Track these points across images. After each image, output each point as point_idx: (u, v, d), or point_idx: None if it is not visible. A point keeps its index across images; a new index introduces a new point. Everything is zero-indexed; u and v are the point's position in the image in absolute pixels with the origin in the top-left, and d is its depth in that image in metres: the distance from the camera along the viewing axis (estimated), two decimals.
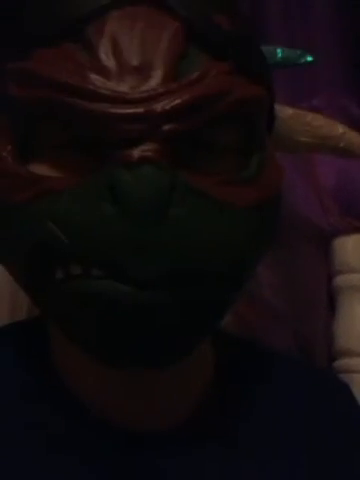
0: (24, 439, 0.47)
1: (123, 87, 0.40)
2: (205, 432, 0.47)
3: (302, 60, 0.66)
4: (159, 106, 0.40)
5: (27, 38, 0.43)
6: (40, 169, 0.42)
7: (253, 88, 0.44)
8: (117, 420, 0.46)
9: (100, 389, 0.47)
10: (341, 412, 0.53)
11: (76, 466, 0.46)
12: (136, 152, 0.40)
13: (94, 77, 0.40)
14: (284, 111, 0.65)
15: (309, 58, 0.67)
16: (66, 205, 0.41)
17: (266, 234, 0.45)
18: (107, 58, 0.41)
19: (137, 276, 0.40)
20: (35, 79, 0.41)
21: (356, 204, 0.89)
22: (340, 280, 0.89)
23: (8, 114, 0.43)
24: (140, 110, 0.40)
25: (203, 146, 0.43)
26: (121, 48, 0.41)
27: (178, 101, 0.40)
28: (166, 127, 0.40)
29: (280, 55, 0.63)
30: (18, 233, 0.42)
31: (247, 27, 0.46)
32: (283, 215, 0.87)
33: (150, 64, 0.41)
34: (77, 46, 0.41)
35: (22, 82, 0.42)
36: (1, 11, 0.46)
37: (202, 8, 0.43)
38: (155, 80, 0.41)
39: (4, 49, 0.44)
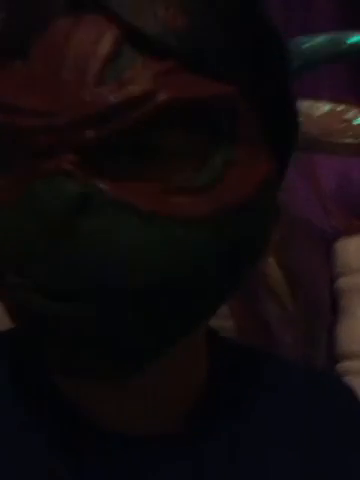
0: (19, 444, 0.46)
1: (50, 99, 0.40)
2: (201, 434, 0.46)
3: None
4: (74, 115, 0.40)
5: None
6: None
7: (207, 86, 0.41)
8: (112, 425, 0.46)
9: (92, 395, 0.46)
10: (342, 415, 0.51)
11: (73, 471, 0.45)
12: (51, 163, 0.40)
13: (25, 91, 0.41)
14: (317, 108, 0.59)
15: None
16: (2, 216, 0.41)
17: (224, 248, 0.41)
18: (40, 70, 0.41)
19: (47, 287, 0.40)
20: None
21: (358, 206, 0.89)
22: (342, 282, 0.89)
23: None
24: (57, 122, 0.40)
25: (135, 152, 0.41)
26: (55, 59, 0.41)
27: (94, 108, 0.40)
28: (80, 137, 0.40)
29: (349, 41, 0.53)
30: None
31: (211, 17, 0.43)
32: (284, 218, 0.87)
33: (81, 73, 0.40)
34: (22, 62, 0.42)
35: None
36: None
37: (142, 5, 0.42)
38: (81, 88, 0.40)
39: None
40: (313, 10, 0.95)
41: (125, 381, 0.43)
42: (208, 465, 0.46)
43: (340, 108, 0.60)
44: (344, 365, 0.85)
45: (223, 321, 0.76)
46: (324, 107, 0.60)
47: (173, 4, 0.42)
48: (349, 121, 0.59)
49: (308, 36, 0.53)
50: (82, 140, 0.40)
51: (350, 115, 0.60)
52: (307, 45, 0.52)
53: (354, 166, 0.89)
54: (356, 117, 0.60)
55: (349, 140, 0.59)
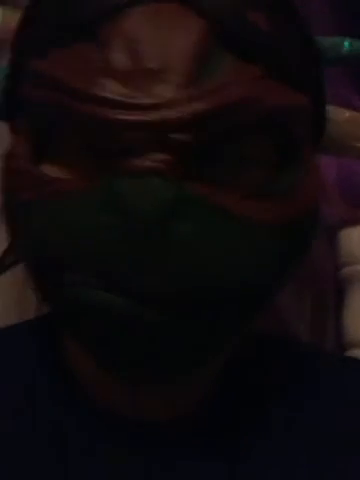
0: (35, 434, 0.48)
1: (135, 91, 0.38)
2: (214, 419, 0.47)
3: None
4: (171, 114, 0.37)
5: (43, 37, 0.42)
6: (52, 170, 0.42)
7: (289, 95, 0.41)
8: (125, 412, 0.47)
9: (108, 385, 0.47)
10: None
11: (86, 457, 0.47)
12: (141, 162, 0.38)
13: (102, 80, 0.39)
14: (339, 114, 0.60)
15: None
16: (69, 210, 0.40)
17: (295, 254, 0.42)
18: (119, 59, 0.39)
19: (135, 291, 0.39)
20: (48, 80, 0.41)
21: (358, 195, 0.89)
22: (347, 271, 0.89)
23: (26, 114, 0.43)
24: (147, 118, 0.38)
25: (226, 157, 0.40)
26: (136, 49, 0.38)
27: (193, 110, 0.38)
28: (177, 137, 0.38)
29: (347, 47, 0.55)
30: (23, 231, 0.42)
31: (291, 25, 0.42)
32: None
33: (167, 67, 0.38)
34: (91, 46, 0.40)
35: (36, 83, 0.42)
36: (26, 10, 0.45)
37: (234, 4, 0.40)
38: (172, 85, 0.38)
39: (26, 48, 0.44)
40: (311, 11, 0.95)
41: (172, 382, 0.43)
42: (220, 449, 0.47)
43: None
44: (352, 353, 0.85)
45: None
46: (346, 113, 0.62)
47: (260, 8, 0.40)
48: None
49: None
50: (178, 141, 0.38)
51: None
52: None
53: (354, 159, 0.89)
54: None
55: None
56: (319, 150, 0.49)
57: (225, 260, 0.39)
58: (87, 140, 0.41)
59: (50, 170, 0.42)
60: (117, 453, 0.47)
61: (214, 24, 0.39)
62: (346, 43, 0.55)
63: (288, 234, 0.41)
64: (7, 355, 0.51)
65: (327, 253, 0.88)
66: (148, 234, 0.37)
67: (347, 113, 0.62)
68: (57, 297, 0.42)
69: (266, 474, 0.47)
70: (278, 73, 0.40)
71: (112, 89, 0.38)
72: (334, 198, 0.88)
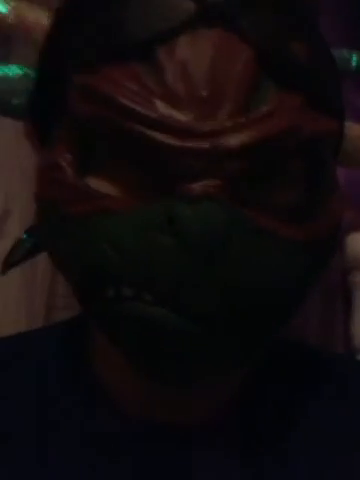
0: (59, 432, 0.48)
1: (189, 117, 0.39)
2: (232, 428, 0.48)
3: None
4: (225, 142, 0.39)
5: (95, 52, 0.41)
6: (97, 184, 0.42)
7: (324, 122, 0.42)
8: (148, 414, 0.48)
9: (134, 389, 0.48)
10: None
11: (107, 457, 0.47)
12: (197, 187, 0.39)
13: (159, 103, 0.39)
14: (352, 129, 0.63)
15: None
16: (122, 228, 0.40)
17: (320, 268, 0.44)
18: (175, 84, 0.39)
19: (188, 308, 0.40)
20: (98, 96, 0.40)
21: None
22: (354, 276, 0.90)
23: (69, 126, 0.43)
24: (205, 145, 0.39)
25: (270, 181, 0.42)
26: (190, 74, 0.39)
27: (245, 138, 0.39)
28: (231, 164, 0.39)
29: (356, 62, 0.57)
30: (72, 245, 0.42)
31: (326, 55, 0.44)
32: None
33: (220, 95, 0.39)
34: (145, 67, 0.40)
35: (85, 97, 0.41)
36: (72, 20, 0.43)
37: (278, 34, 0.41)
38: (224, 113, 0.39)
39: (70, 60, 0.43)
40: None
41: (205, 387, 0.45)
42: (234, 459, 0.48)
43: None
44: None
45: None
46: (357, 129, 0.66)
47: (301, 38, 0.42)
48: None
49: None
50: (230, 168, 0.39)
51: None
52: None
53: None
54: None
55: None
56: (340, 164, 0.52)
57: (271, 278, 0.41)
58: (136, 159, 0.41)
59: (94, 183, 0.42)
60: (143, 454, 0.48)
61: (259, 53, 0.40)
62: (354, 57, 0.58)
63: (317, 250, 0.43)
64: (30, 359, 0.52)
65: (336, 259, 0.89)
66: (202, 256, 0.39)
67: (358, 129, 0.67)
68: (106, 310, 0.43)
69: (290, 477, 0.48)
70: (316, 102, 0.42)
71: (166, 113, 0.39)
72: None
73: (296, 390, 0.50)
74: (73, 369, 0.50)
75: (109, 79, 0.40)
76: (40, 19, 0.52)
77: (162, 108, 0.39)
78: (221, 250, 0.39)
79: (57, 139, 0.43)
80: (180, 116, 0.39)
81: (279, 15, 0.42)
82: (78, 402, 0.49)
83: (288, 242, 0.41)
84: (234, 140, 0.39)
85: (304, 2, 0.44)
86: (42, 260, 0.67)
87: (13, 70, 0.49)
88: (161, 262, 0.40)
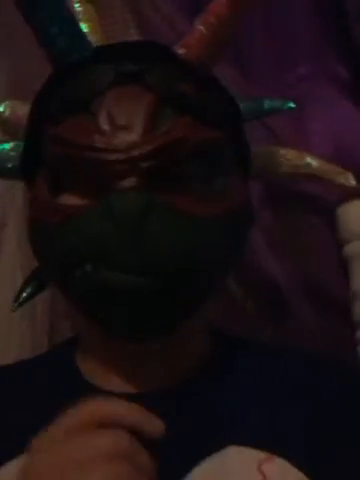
0: (40, 402, 0.66)
1: (115, 141, 0.61)
2: (195, 393, 0.64)
3: (285, 107, 0.78)
4: (136, 152, 0.60)
5: (57, 110, 0.64)
6: (66, 199, 0.63)
7: (210, 133, 0.63)
8: (111, 386, 0.65)
9: (108, 368, 0.66)
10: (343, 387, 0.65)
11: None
12: (122, 184, 0.60)
13: (96, 137, 0.62)
14: (260, 149, 0.78)
15: (292, 104, 0.79)
16: (82, 223, 0.61)
17: (233, 239, 0.63)
18: (104, 124, 0.62)
19: (126, 267, 0.59)
20: (61, 141, 0.63)
21: (355, 169, 0.88)
22: (347, 249, 0.89)
23: (45, 165, 0.66)
24: (125, 156, 0.60)
25: (177, 176, 0.62)
26: (113, 116, 0.62)
27: (152, 147, 0.60)
28: (143, 165, 0.60)
29: (266, 106, 0.77)
30: (52, 246, 0.63)
31: (211, 90, 0.65)
32: (286, 192, 0.86)
33: (132, 123, 0.61)
34: (87, 115, 0.63)
35: (53, 142, 0.64)
36: (45, 95, 0.66)
37: (171, 81, 0.63)
38: (135, 134, 0.61)
39: (43, 116, 0.66)
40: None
41: (158, 341, 0.63)
42: (197, 415, 0.63)
43: (275, 148, 0.82)
44: None
45: None
46: (266, 148, 0.81)
47: (188, 80, 0.63)
48: (283, 156, 0.81)
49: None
50: (143, 168, 0.60)
51: (282, 152, 0.81)
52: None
53: (348, 131, 0.88)
54: (287, 153, 0.81)
55: (285, 169, 0.81)
56: (257, 176, 0.74)
57: (182, 244, 0.60)
58: (87, 174, 0.62)
59: (63, 199, 0.64)
60: None
61: (159, 95, 0.62)
62: (265, 102, 0.78)
63: (225, 224, 0.62)
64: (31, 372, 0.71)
65: (329, 232, 0.88)
66: (131, 229, 0.59)
67: (267, 148, 0.81)
68: (78, 284, 0.62)
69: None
70: (202, 120, 0.63)
71: (101, 141, 0.62)
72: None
73: (240, 364, 0.67)
74: (64, 368, 0.69)
75: (65, 127, 0.63)
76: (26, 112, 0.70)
77: (97, 139, 0.61)
78: (142, 222, 0.58)
79: (38, 177, 0.66)
80: (108, 141, 0.61)
81: (172, 68, 0.64)
82: (58, 382, 0.67)
83: (196, 218, 0.60)
84: (144, 149, 0.60)
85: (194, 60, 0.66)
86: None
87: (6, 144, 0.73)
88: (106, 239, 0.59)
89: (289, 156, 0.79)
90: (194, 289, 0.62)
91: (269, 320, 0.83)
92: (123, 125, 0.61)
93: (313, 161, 0.80)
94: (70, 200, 0.63)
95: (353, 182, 0.82)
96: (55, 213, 0.62)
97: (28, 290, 0.73)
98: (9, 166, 0.72)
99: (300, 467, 0.59)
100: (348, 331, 0.86)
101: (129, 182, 0.59)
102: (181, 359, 0.66)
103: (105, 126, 0.61)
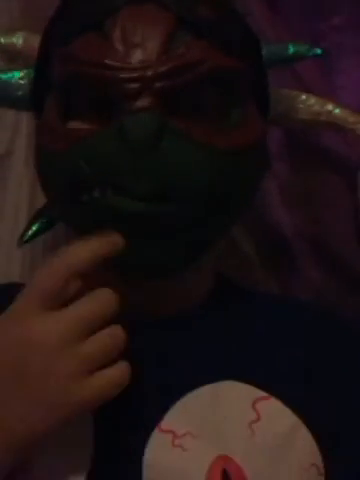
0: None
1: (128, 60, 0.58)
2: (197, 327, 0.63)
3: (311, 53, 0.74)
4: (152, 71, 0.57)
5: (67, 31, 0.61)
6: (75, 124, 0.60)
7: (227, 60, 0.60)
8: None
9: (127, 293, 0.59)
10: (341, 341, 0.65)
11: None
12: (135, 104, 0.57)
13: (108, 54, 0.58)
14: (280, 92, 0.75)
15: (318, 51, 0.74)
16: (91, 147, 0.57)
17: (246, 174, 0.60)
18: (118, 41, 0.58)
19: (135, 192, 0.56)
20: (70, 58, 0.60)
21: None
22: None
23: (54, 89, 0.62)
24: (138, 74, 0.57)
25: (191, 102, 0.59)
26: (127, 34, 0.59)
27: (166, 67, 0.57)
28: (157, 85, 0.57)
29: (291, 50, 0.73)
30: (58, 172, 0.59)
31: (229, 16, 0.63)
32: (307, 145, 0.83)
33: (148, 42, 0.58)
34: (98, 35, 0.59)
35: (62, 62, 0.61)
36: (55, 18, 0.64)
37: (189, 1, 0.60)
38: (150, 54, 0.58)
39: (55, 42, 0.63)
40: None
41: (168, 277, 0.61)
42: (212, 335, 0.63)
43: (297, 92, 0.77)
44: None
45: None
46: (285, 91, 0.76)
47: (207, 4, 0.61)
48: (303, 102, 0.76)
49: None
50: (158, 88, 0.57)
51: (303, 97, 0.77)
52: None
53: None
54: (307, 99, 0.77)
55: (304, 116, 0.76)
56: (275, 121, 0.72)
57: (193, 170, 0.57)
58: (98, 95, 0.59)
59: (73, 125, 0.60)
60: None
61: (176, 16, 0.59)
62: (290, 47, 0.74)
63: (238, 157, 0.59)
64: None
65: (348, 194, 0.85)
66: (142, 151, 0.55)
67: (287, 91, 0.76)
68: (85, 211, 0.58)
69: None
70: (219, 45, 0.60)
71: (113, 58, 0.58)
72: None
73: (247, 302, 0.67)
74: None
75: (77, 47, 0.59)
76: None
77: (110, 57, 0.58)
78: (153, 146, 0.55)
79: (47, 102, 0.62)
80: (121, 59, 0.58)
81: None
82: None
83: (206, 145, 0.57)
84: (159, 69, 0.57)
85: None
86: None
87: (16, 73, 0.71)
88: (115, 162, 0.56)
89: (310, 102, 0.75)
90: (204, 220, 0.59)
91: (273, 273, 0.81)
92: (137, 43, 0.58)
93: (336, 109, 0.76)
94: (80, 125, 0.59)
95: None
96: (64, 138, 0.59)
97: (34, 227, 0.71)
98: (19, 94, 0.70)
99: (295, 411, 0.59)
100: (353, 293, 0.83)
101: (142, 102, 0.56)
102: (186, 294, 0.65)
103: (118, 44, 0.58)
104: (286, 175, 0.82)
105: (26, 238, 0.72)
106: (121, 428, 0.58)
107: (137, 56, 0.57)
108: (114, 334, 0.53)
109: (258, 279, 0.81)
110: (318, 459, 0.58)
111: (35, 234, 0.72)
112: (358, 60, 0.86)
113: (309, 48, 0.73)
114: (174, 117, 0.57)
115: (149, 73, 0.57)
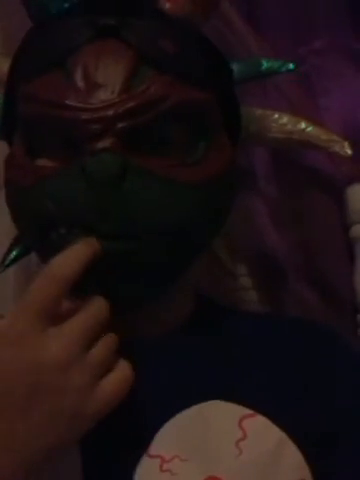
0: None
1: (90, 100, 0.57)
2: (177, 347, 0.63)
3: (284, 69, 0.74)
4: (114, 111, 0.56)
5: (30, 67, 0.60)
6: (42, 162, 0.60)
7: (192, 92, 0.59)
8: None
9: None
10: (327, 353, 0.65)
11: None
12: (98, 144, 0.56)
13: (70, 95, 0.57)
14: (253, 112, 0.75)
15: (291, 66, 0.75)
16: (56, 186, 0.57)
17: (211, 207, 0.60)
18: (80, 81, 0.58)
19: (100, 231, 0.56)
20: (33, 98, 0.59)
21: None
22: (355, 230, 0.87)
23: (20, 125, 0.62)
24: (100, 114, 0.56)
25: (156, 138, 0.58)
26: (89, 73, 0.58)
27: (128, 106, 0.56)
28: (119, 125, 0.56)
29: (264, 66, 0.74)
30: (26, 209, 0.60)
31: (192, 47, 0.61)
32: (295, 167, 0.83)
33: (109, 81, 0.57)
34: (61, 73, 0.58)
35: (26, 101, 0.60)
36: (20, 54, 0.63)
37: (150, 36, 0.59)
38: (111, 93, 0.57)
39: (19, 79, 0.62)
40: None
41: (142, 307, 0.61)
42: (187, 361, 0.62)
43: (268, 111, 0.77)
44: None
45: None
46: (257, 111, 0.77)
47: (168, 37, 0.59)
48: (275, 121, 0.77)
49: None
50: (119, 128, 0.56)
51: (275, 116, 0.77)
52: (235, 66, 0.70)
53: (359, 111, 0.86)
54: (279, 118, 0.77)
55: (277, 135, 0.77)
56: (247, 142, 0.71)
57: (157, 208, 0.57)
58: (61, 135, 0.59)
59: (41, 162, 0.60)
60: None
61: (137, 51, 0.58)
62: (263, 62, 0.74)
63: (204, 191, 0.59)
64: None
65: (336, 212, 0.86)
66: (105, 192, 0.56)
67: (259, 111, 0.77)
68: (51, 248, 0.58)
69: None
70: (183, 79, 0.58)
71: (74, 99, 0.57)
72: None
73: (227, 321, 0.67)
74: None
75: (39, 85, 0.59)
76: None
77: (72, 97, 0.57)
78: (116, 186, 0.55)
79: (15, 137, 0.62)
80: (83, 100, 0.57)
81: (152, 24, 0.60)
82: None
83: (171, 182, 0.57)
84: (119, 109, 0.56)
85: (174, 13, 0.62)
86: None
87: None
88: (79, 202, 0.56)
89: (283, 120, 0.76)
90: (171, 254, 0.59)
91: (267, 293, 0.81)
92: (99, 83, 0.57)
93: (308, 127, 0.76)
94: (45, 162, 0.59)
95: (349, 151, 0.78)
96: (29, 174, 0.59)
97: (14, 252, 0.72)
98: None
99: (282, 426, 0.58)
100: (348, 312, 0.83)
101: (103, 143, 0.56)
102: (167, 317, 0.65)
103: (80, 83, 0.57)
104: (275, 196, 0.83)
105: (7, 263, 0.73)
106: (108, 455, 0.58)
107: (98, 96, 0.57)
108: (112, 337, 0.54)
109: (252, 300, 0.82)
110: (307, 474, 0.58)
111: (15, 259, 0.73)
112: (339, 82, 0.87)
113: (282, 64, 0.74)
114: (136, 155, 0.56)
115: (110, 113, 0.56)
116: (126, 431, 0.58)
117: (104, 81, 0.57)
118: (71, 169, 0.57)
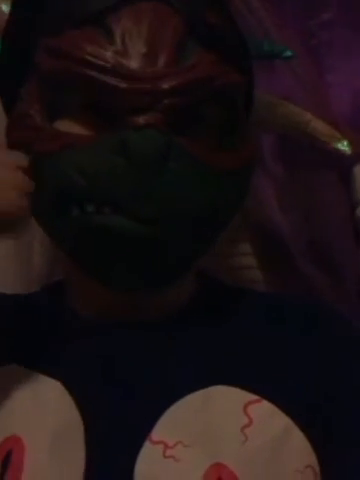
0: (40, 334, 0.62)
1: (134, 67, 0.52)
2: (182, 330, 0.61)
3: (284, 54, 0.76)
4: (163, 84, 0.52)
5: (59, 19, 0.55)
6: (64, 126, 0.55)
7: (234, 76, 0.57)
8: (104, 318, 0.60)
9: (100, 308, 0.61)
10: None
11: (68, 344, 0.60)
12: (142, 119, 0.52)
13: (110, 56, 0.52)
14: (264, 98, 0.75)
15: (289, 53, 0.76)
16: (85, 156, 0.53)
17: (242, 191, 0.59)
18: (122, 43, 0.53)
19: (138, 214, 0.53)
20: (62, 53, 0.54)
21: None
22: None
23: (38, 80, 0.56)
24: (147, 86, 0.52)
25: (196, 120, 0.55)
26: (132, 35, 0.53)
27: (177, 82, 0.53)
28: (167, 101, 0.53)
29: (266, 47, 0.75)
30: (44, 178, 0.54)
31: (235, 25, 0.59)
32: (302, 146, 0.83)
33: (155, 51, 0.53)
34: (98, 31, 0.53)
35: (52, 56, 0.54)
36: None
37: (198, 7, 0.55)
38: (160, 64, 0.53)
39: (39, 26, 0.56)
40: None
41: (157, 291, 0.59)
42: (178, 346, 0.60)
43: (278, 99, 0.79)
44: None
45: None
46: (267, 97, 0.77)
47: (217, 11, 0.56)
48: (284, 109, 0.79)
49: None
50: (166, 104, 0.53)
51: (284, 104, 0.79)
52: None
53: None
54: (287, 107, 0.79)
55: (284, 122, 0.79)
56: (257, 127, 0.69)
57: (194, 193, 0.54)
58: (94, 101, 0.54)
59: (61, 125, 0.55)
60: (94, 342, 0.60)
61: (185, 22, 0.55)
62: (265, 44, 0.75)
63: (237, 178, 0.57)
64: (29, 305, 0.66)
65: (342, 191, 0.85)
66: (147, 171, 0.52)
67: (269, 97, 0.78)
68: (74, 225, 0.55)
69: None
70: (227, 59, 0.56)
71: (117, 63, 0.52)
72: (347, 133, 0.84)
73: (227, 304, 0.64)
74: (56, 305, 0.64)
75: (70, 40, 0.54)
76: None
77: (112, 59, 0.52)
78: (160, 167, 0.52)
79: (27, 94, 0.56)
80: (126, 64, 0.52)
81: None
82: (54, 319, 0.63)
83: (210, 167, 0.55)
84: (168, 83, 0.53)
85: None
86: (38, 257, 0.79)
87: None
88: (116, 179, 0.52)
89: (291, 111, 0.77)
90: (199, 242, 0.58)
91: (271, 272, 0.81)
92: (143, 48, 0.53)
93: (313, 121, 0.78)
94: (68, 126, 0.55)
95: (347, 150, 0.80)
96: (50, 139, 0.54)
97: None
98: None
99: (287, 412, 0.57)
100: (353, 291, 0.83)
101: (148, 118, 0.52)
102: (170, 298, 0.62)
103: (122, 46, 0.53)
104: (282, 176, 0.83)
105: None
106: (111, 441, 0.56)
107: (142, 63, 0.53)
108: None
109: (256, 279, 0.82)
110: (313, 460, 0.57)
111: None
112: (345, 57, 0.86)
113: (282, 50, 0.75)
114: (177, 134, 0.54)
115: (160, 87, 0.52)
116: (128, 417, 0.57)
117: (149, 48, 0.53)
118: (107, 141, 0.53)
